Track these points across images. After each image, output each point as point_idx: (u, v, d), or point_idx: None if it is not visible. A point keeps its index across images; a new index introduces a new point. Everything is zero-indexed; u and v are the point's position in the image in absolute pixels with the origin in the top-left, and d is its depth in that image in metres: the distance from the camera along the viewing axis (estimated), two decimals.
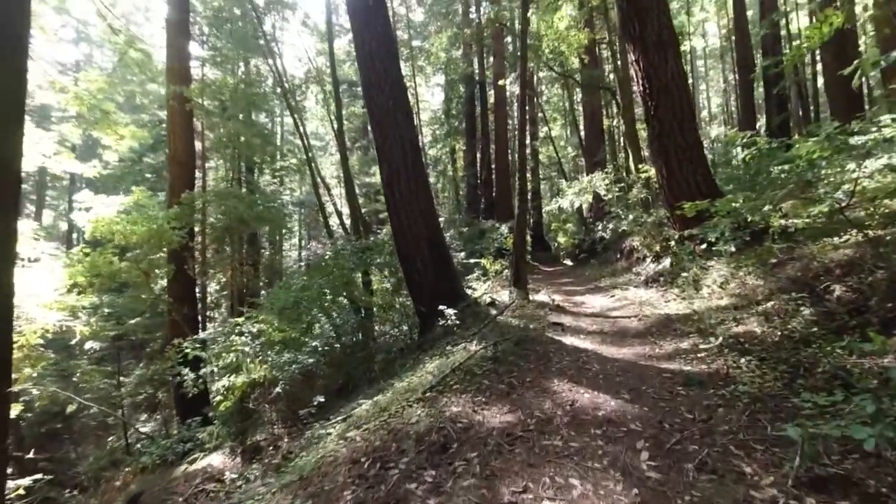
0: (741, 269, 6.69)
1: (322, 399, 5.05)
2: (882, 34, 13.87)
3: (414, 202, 8.05)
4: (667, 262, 9.21)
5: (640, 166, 10.04)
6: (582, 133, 19.52)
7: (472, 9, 19.39)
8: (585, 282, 11.94)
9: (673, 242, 9.27)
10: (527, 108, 23.55)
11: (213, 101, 16.74)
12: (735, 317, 5.28)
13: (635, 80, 8.44)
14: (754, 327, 4.70)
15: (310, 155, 14.37)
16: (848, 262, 5.03)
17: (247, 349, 5.88)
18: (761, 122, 21.73)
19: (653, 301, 7.52)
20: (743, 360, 3.83)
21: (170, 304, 12.19)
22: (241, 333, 6.39)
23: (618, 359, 4.69)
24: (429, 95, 31.13)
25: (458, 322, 6.25)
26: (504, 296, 8.79)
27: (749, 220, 6.09)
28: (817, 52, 17.60)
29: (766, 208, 5.38)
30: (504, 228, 15.79)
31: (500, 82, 10.01)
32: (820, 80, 21.89)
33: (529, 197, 23.67)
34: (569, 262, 18.73)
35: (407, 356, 7.06)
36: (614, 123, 20.69)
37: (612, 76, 13.99)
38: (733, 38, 21.48)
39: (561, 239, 23.14)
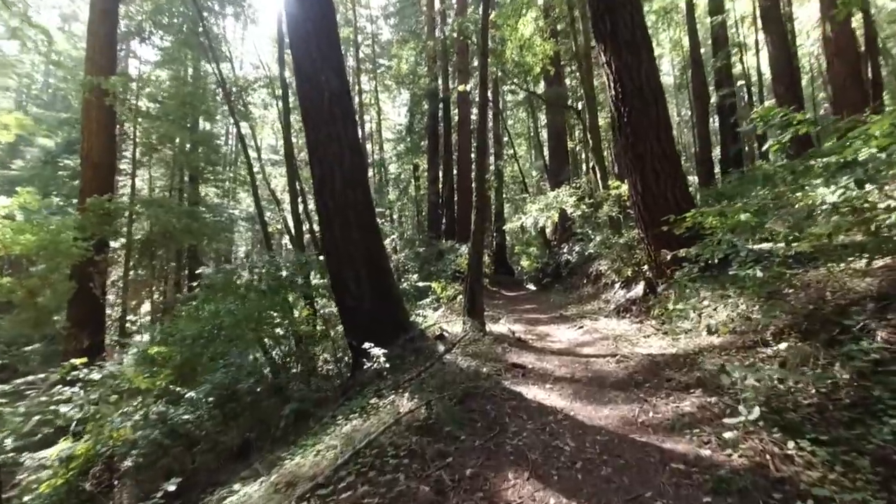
0: (733, 299, 5.51)
1: (174, 485, 3.30)
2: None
3: (350, 213, 6.51)
4: (639, 288, 8.02)
5: (609, 182, 8.99)
6: (546, 154, 18.70)
7: (438, 26, 18.50)
8: (550, 309, 10.61)
9: (646, 267, 8.12)
10: (489, 121, 22.68)
11: (152, 102, 14.81)
12: (742, 362, 3.99)
13: (607, 83, 7.36)
14: (776, 382, 3.38)
15: (251, 163, 12.62)
16: (881, 294, 3.86)
17: (70, 411, 4.03)
18: (716, 154, 21.71)
19: (629, 335, 6.19)
20: (791, 444, 2.45)
21: (66, 329, 9.97)
22: (74, 382, 4.53)
23: (599, 427, 3.24)
24: (395, 115, 30.00)
25: (387, 365, 4.67)
26: (457, 326, 7.27)
27: (747, 239, 4.96)
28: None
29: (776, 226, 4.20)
30: (464, 249, 14.40)
31: (461, 87, 9.01)
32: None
33: (493, 218, 22.61)
34: (532, 287, 17.52)
35: (327, 407, 5.38)
36: (578, 148, 20.06)
37: (577, 95, 13.15)
38: (689, 71, 21.62)
39: (524, 262, 22.02)
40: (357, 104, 20.54)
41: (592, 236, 9.44)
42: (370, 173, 24.98)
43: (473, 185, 7.64)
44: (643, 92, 6.99)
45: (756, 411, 2.50)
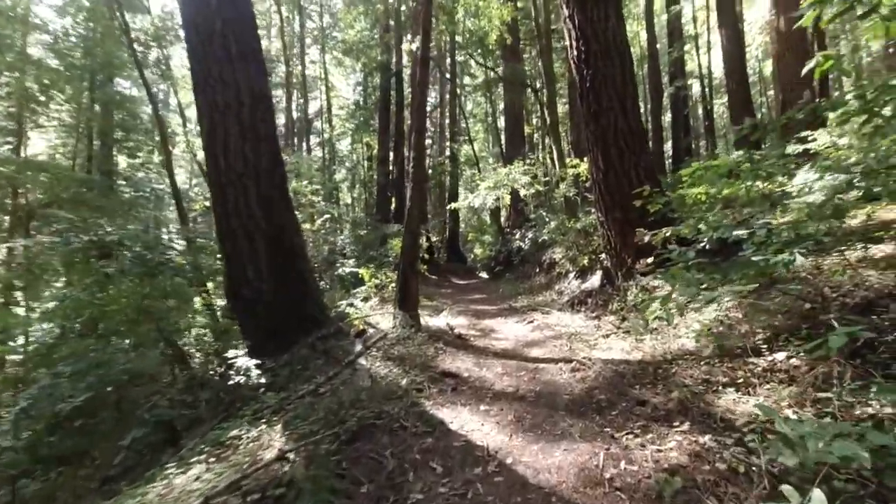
0: (705, 294, 4.60)
1: None
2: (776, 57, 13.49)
3: (249, 179, 5.04)
4: (595, 279, 7.09)
5: (567, 161, 7.98)
6: (503, 140, 17.65)
7: None
8: (499, 300, 9.57)
9: (604, 256, 7.20)
10: (430, 78, 21.26)
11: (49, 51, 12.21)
12: (731, 376, 3.00)
13: (568, 41, 6.24)
14: (790, 417, 2.40)
15: (164, 128, 10.62)
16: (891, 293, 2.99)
17: None
18: (666, 149, 21.59)
19: (585, 334, 5.18)
20: None
21: None
22: None
23: (549, 490, 2.09)
24: (349, 92, 27.72)
25: (262, 381, 3.35)
26: (389, 320, 6.00)
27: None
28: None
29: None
30: None
31: (407, 46, 7.68)
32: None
33: (447, 202, 21.37)
34: (484, 276, 16.54)
35: (198, 429, 3.96)
36: (536, 136, 19.15)
37: (536, 71, 12.06)
38: (646, 65, 21.25)
39: (478, 250, 21.07)
40: (299, 74, 18.51)
41: (547, 220, 8.42)
42: (320, 153, 23.00)
43: (429, 166, 6.33)
44: (609, 53, 5.93)
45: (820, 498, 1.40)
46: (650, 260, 5.55)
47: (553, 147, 8.62)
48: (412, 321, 5.73)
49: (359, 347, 4.76)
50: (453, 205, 8.61)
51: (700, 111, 24.26)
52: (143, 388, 4.71)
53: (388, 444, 2.52)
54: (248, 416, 3.30)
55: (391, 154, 17.25)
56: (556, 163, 8.18)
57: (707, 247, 3.14)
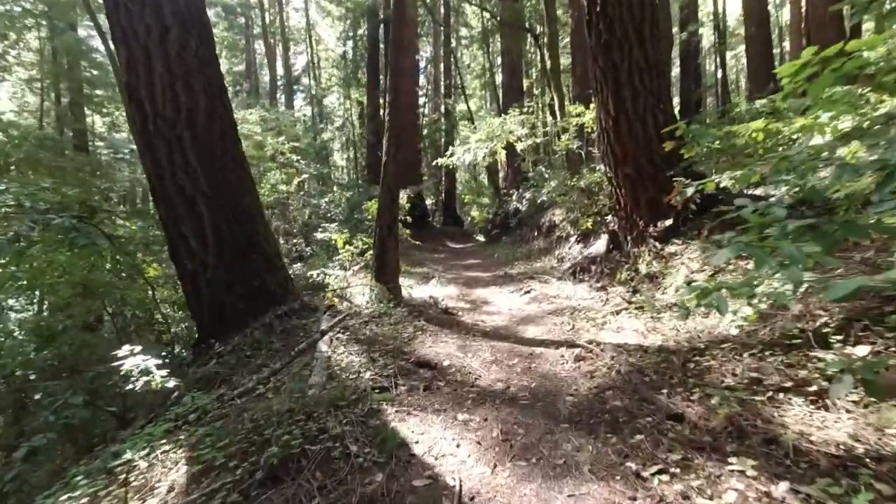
0: (730, 264, 3.75)
1: None
2: None
3: (183, 126, 4.07)
4: (600, 244, 6.21)
5: (570, 108, 6.89)
6: (500, 95, 16.23)
7: None
8: (494, 266, 8.76)
9: (611, 218, 6.29)
10: (439, 59, 19.62)
11: None
12: (791, 381, 2.20)
13: None
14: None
15: (117, 68, 9.34)
16: None
17: None
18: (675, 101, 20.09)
19: (591, 310, 4.37)
20: None
21: None
22: None
23: None
24: (337, 44, 25.74)
25: (171, 385, 2.54)
26: (366, 293, 5.18)
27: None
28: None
29: None
30: (403, 195, 12.12)
31: None
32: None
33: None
34: (481, 239, 15.69)
35: (122, 434, 3.22)
36: (535, 78, 17.59)
37: (536, 15, 10.63)
38: None
39: (475, 213, 20.07)
40: (278, 23, 16.83)
41: (547, 177, 7.44)
42: (308, 111, 21.47)
43: (391, 104, 5.30)
44: None
45: None
46: (669, 222, 4.68)
47: (554, 95, 7.48)
48: (392, 293, 4.92)
49: (324, 327, 3.96)
50: (441, 160, 7.54)
51: (709, 63, 22.50)
52: (68, 379, 3.95)
53: (317, 488, 1.74)
54: (164, 425, 2.53)
55: (381, 110, 15.89)
56: (557, 112, 7.09)
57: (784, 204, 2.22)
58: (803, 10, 13.05)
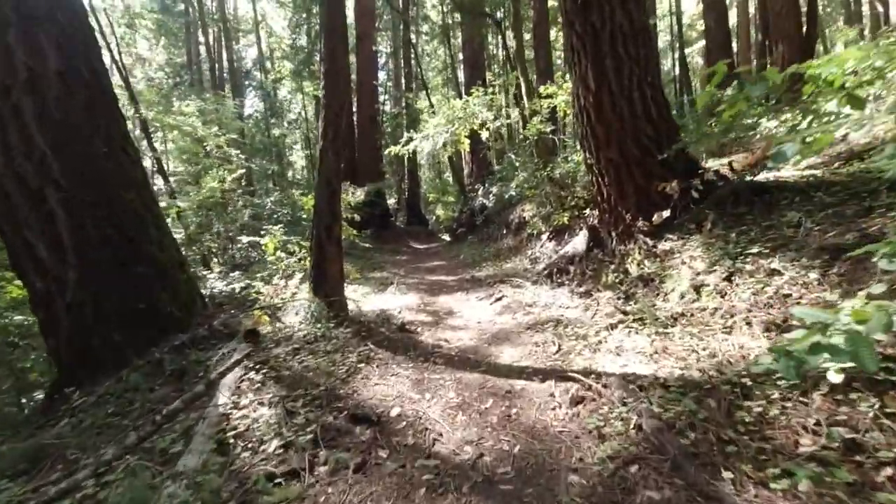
0: (741, 259, 3.00)
1: None
2: None
3: (25, 89, 2.86)
4: (578, 242, 5.41)
5: (540, 89, 6.06)
6: (462, 88, 15.38)
7: None
8: (460, 267, 7.86)
9: (590, 211, 5.51)
10: (399, 54, 18.53)
11: None
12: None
13: None
14: None
15: None
16: None
17: None
18: None
19: (577, 322, 3.53)
20: None
21: None
22: None
23: None
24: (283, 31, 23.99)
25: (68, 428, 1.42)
26: (302, 310, 4.10)
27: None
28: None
29: None
30: (360, 193, 11.00)
31: None
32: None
33: (405, 161, 19.09)
34: (447, 238, 14.80)
35: None
36: (496, 72, 16.81)
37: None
38: None
39: (440, 211, 19.22)
40: (223, 11, 15.24)
41: (517, 166, 6.58)
42: (261, 106, 19.75)
43: (328, 76, 4.26)
44: None
45: None
46: (666, 213, 3.91)
47: (520, 79, 6.67)
48: (333, 310, 3.89)
49: (233, 361, 2.89)
50: (395, 148, 6.48)
51: (665, 62, 22.58)
52: None
53: None
54: None
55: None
56: (525, 97, 6.26)
57: None
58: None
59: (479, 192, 9.14)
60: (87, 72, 3.21)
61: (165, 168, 12.99)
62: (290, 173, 18.22)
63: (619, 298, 3.77)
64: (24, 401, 3.59)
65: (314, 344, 3.37)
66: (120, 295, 3.07)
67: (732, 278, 3.00)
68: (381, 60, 22.34)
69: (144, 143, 11.68)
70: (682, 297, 3.20)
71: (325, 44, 4.03)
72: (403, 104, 16.53)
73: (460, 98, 15.23)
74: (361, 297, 5.62)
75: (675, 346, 2.67)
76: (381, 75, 21.73)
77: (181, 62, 18.64)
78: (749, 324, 2.56)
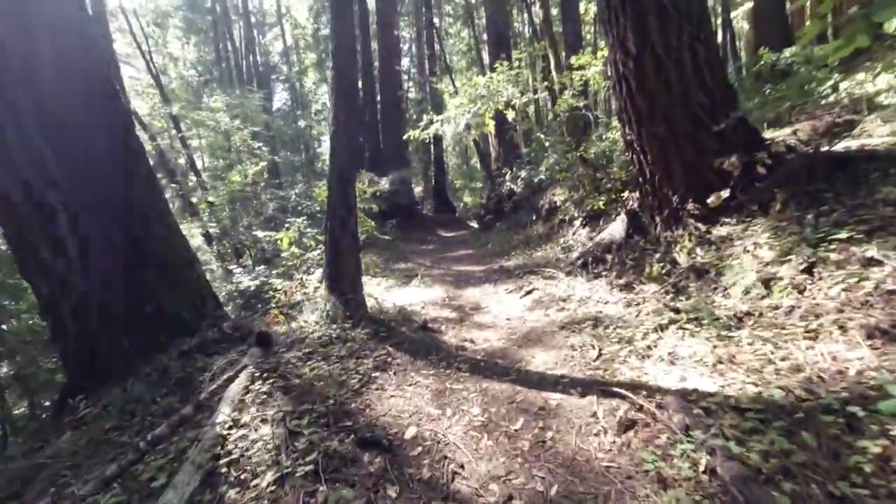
0: (824, 246, 2.46)
1: None
2: None
3: (14, 76, 2.67)
4: (615, 228, 4.89)
5: (571, 60, 5.44)
6: (486, 66, 14.69)
7: None
8: (488, 257, 7.46)
9: (629, 194, 4.95)
10: (422, 38, 18.00)
11: None
12: None
13: None
14: None
15: None
16: None
17: None
18: None
19: (619, 321, 3.08)
20: None
21: None
22: None
23: None
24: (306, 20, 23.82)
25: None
26: (319, 307, 3.86)
27: None
28: None
29: None
30: (384, 182, 10.73)
31: None
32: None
33: (432, 147, 18.65)
34: (475, 226, 14.38)
35: None
36: (521, 48, 16.00)
37: None
38: None
39: (467, 198, 18.75)
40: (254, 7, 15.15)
41: (546, 145, 6.03)
42: (284, 98, 19.76)
43: (336, 55, 3.92)
44: None
45: None
46: (726, 193, 3.35)
47: (549, 52, 6.07)
48: (350, 309, 3.62)
49: (239, 368, 2.67)
50: (414, 133, 6.00)
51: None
52: None
53: None
54: None
55: (359, 90, 14.37)
56: (553, 70, 5.67)
57: None
58: None
59: (507, 177, 8.64)
60: (85, 63, 3.00)
61: (199, 164, 13.20)
62: (318, 164, 18.20)
63: (666, 293, 3.28)
64: (47, 403, 3.55)
65: (328, 347, 3.11)
66: (126, 298, 2.90)
67: (813, 270, 2.46)
68: (405, 46, 21.84)
69: (178, 141, 11.87)
70: (748, 292, 2.69)
71: (334, 32, 3.67)
72: (427, 89, 16.03)
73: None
74: (384, 292, 5.35)
75: (745, 355, 2.20)
76: (405, 61, 21.27)
77: (211, 59, 18.88)
78: (843, 328, 2.05)
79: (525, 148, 7.80)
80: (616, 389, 2.12)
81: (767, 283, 2.62)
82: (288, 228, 6.59)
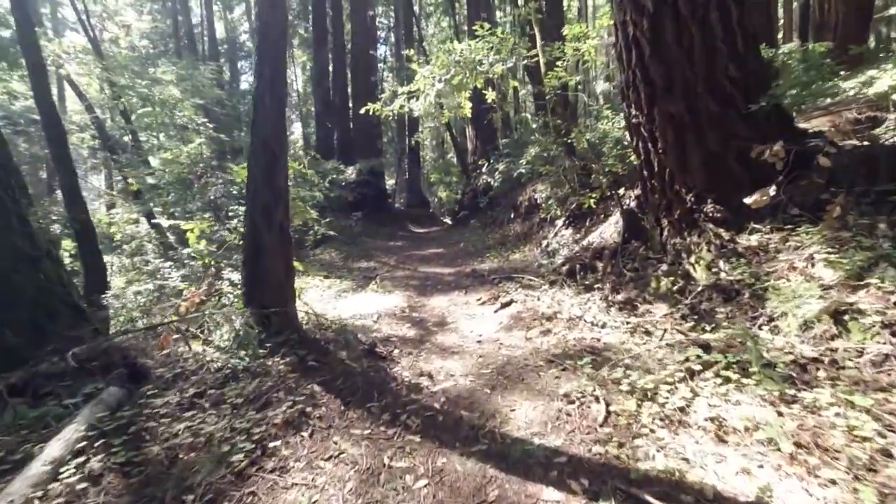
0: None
1: None
2: None
3: None
4: (607, 230, 4.10)
5: (564, 31, 4.59)
6: None
7: None
8: (460, 257, 6.59)
9: (625, 191, 4.17)
10: (400, 26, 16.86)
11: None
12: None
13: None
14: None
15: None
16: None
17: None
18: None
19: (630, 359, 2.26)
20: None
21: None
22: None
23: None
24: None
25: None
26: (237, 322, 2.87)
27: None
28: None
29: None
30: (350, 171, 9.68)
31: None
32: None
33: (406, 133, 17.55)
34: (449, 222, 13.49)
35: None
36: None
37: None
38: None
39: (442, 193, 17.77)
40: None
41: (534, 126, 5.16)
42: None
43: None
44: None
45: None
46: (772, 191, 2.55)
47: (533, 22, 5.17)
48: (273, 326, 2.66)
49: (69, 427, 1.68)
50: (376, 106, 4.90)
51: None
52: None
53: None
54: None
55: (329, 75, 13.17)
56: (540, 44, 4.76)
57: None
58: None
59: (483, 170, 7.78)
60: None
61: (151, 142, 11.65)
62: (292, 150, 16.82)
63: (683, 318, 2.50)
64: None
65: (226, 387, 2.16)
66: None
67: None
68: (382, 34, 20.58)
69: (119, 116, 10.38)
70: (809, 327, 1.93)
71: (257, 59, 2.66)
72: (405, 77, 14.94)
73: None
74: (332, 298, 4.38)
75: (834, 434, 1.41)
76: (382, 49, 20.04)
77: (169, 32, 17.07)
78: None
79: (504, 139, 6.95)
80: (648, 498, 1.28)
81: (839, 316, 1.87)
82: (232, 217, 5.50)
